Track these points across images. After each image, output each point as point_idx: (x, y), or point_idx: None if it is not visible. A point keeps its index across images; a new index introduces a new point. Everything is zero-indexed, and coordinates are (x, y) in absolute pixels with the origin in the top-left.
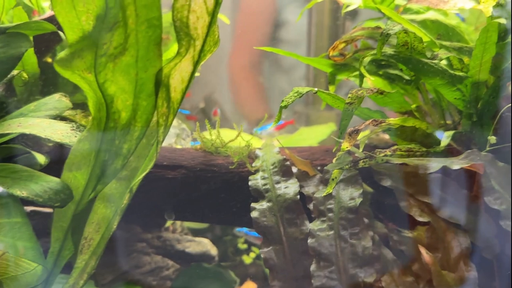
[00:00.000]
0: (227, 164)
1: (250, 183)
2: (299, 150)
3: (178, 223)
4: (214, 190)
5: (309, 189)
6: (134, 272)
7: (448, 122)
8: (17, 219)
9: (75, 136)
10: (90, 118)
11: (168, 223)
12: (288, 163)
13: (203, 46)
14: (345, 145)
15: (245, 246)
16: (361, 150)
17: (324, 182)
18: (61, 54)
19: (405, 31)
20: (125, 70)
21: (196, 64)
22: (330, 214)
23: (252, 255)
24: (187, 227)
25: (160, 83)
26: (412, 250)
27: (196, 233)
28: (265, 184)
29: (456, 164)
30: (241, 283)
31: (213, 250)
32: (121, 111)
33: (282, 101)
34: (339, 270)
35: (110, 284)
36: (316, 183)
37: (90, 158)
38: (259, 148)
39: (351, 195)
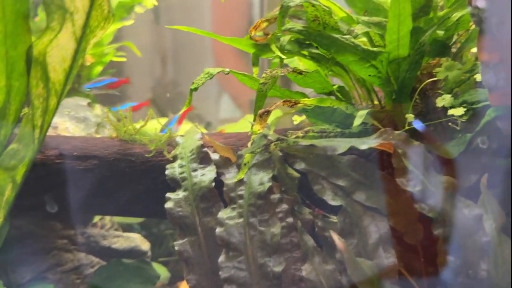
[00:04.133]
0: (145, 153)
1: (167, 171)
2: (226, 137)
3: (108, 218)
4: (130, 181)
5: (229, 176)
6: (55, 270)
7: (376, 102)
8: None
9: None
10: None
11: (96, 219)
12: (205, 149)
13: (87, 20)
14: (256, 127)
15: None
16: (271, 132)
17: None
18: None
19: (313, 5)
20: None
21: (80, 40)
22: (241, 201)
23: None
24: (117, 222)
25: (31, 61)
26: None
27: (129, 228)
28: (182, 173)
29: (366, 144)
30: (183, 278)
31: (144, 245)
32: None
33: (193, 83)
34: (248, 259)
35: (28, 284)
36: (238, 170)
37: None
38: (181, 135)
39: (261, 180)
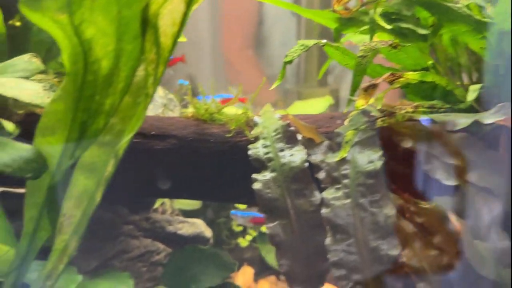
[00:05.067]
0: (223, 133)
1: (250, 152)
2: (301, 118)
3: (168, 204)
4: (210, 162)
5: (316, 157)
6: (121, 257)
7: (466, 83)
8: None
9: (48, 97)
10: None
11: (157, 204)
12: (292, 128)
13: None
14: (360, 102)
15: (240, 228)
16: (378, 107)
17: (333, 148)
18: None
19: None
20: (105, 8)
21: (189, 3)
22: (346, 181)
23: (248, 237)
24: (178, 208)
25: (147, 23)
26: (432, 221)
27: (187, 215)
28: (267, 153)
29: (488, 118)
30: (238, 268)
31: (208, 232)
32: (101, 60)
33: (286, 55)
34: (358, 242)
35: (95, 271)
36: (324, 150)
37: (66, 120)
38: (258, 115)
39: (369, 158)
